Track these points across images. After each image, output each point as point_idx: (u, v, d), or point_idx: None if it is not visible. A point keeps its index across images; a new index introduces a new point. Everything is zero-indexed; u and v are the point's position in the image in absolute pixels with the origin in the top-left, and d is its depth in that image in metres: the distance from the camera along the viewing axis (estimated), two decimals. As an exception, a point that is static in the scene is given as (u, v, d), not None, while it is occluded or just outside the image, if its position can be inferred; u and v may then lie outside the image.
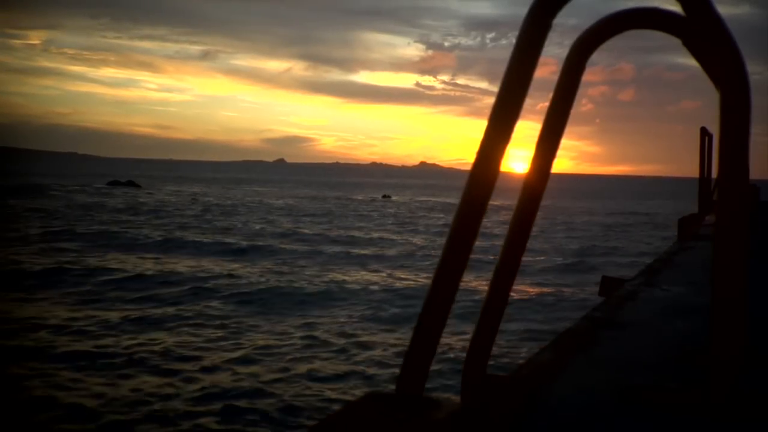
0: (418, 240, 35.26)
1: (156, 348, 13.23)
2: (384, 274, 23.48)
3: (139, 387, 10.97)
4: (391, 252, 29.42)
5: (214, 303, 17.74)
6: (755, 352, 2.61)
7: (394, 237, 35.46)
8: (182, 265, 23.58)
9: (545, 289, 21.40)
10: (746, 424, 1.99)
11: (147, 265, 23.17)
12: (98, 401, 10.19)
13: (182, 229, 35.64)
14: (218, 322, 15.72)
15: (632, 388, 2.31)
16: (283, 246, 29.99)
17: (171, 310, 16.72)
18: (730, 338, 1.87)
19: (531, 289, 21.14)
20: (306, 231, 37.39)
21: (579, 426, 2.03)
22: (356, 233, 37.02)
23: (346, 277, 22.41)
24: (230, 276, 21.48)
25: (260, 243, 30.66)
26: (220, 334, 14.57)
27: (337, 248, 29.82)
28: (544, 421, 2.07)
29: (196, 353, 13.01)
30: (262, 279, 21.16)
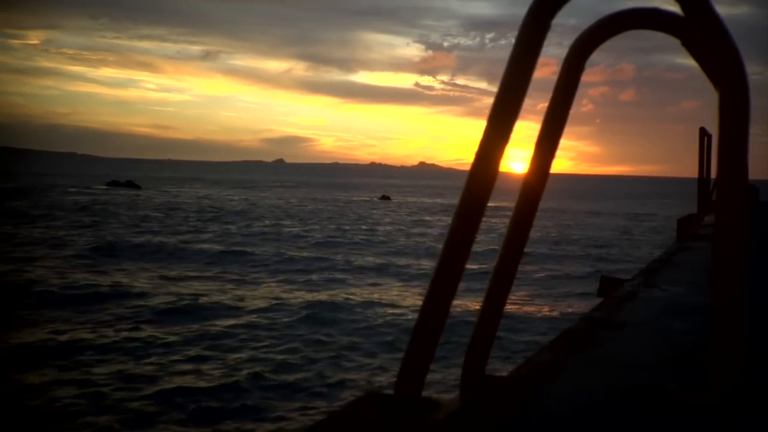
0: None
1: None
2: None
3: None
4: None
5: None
6: (755, 352, 2.61)
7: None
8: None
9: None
10: (746, 424, 1.99)
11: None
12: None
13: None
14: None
15: (631, 388, 2.31)
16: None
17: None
18: (729, 338, 1.87)
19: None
20: (316, 235, 36.53)
21: (578, 426, 2.03)
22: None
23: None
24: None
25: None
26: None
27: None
28: (543, 421, 2.07)
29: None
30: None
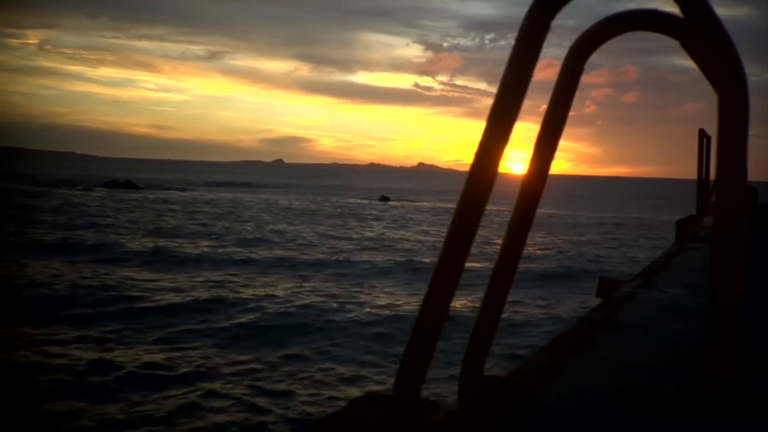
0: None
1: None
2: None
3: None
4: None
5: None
6: (752, 353, 2.62)
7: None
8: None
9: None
10: (743, 425, 1.99)
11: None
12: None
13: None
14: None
15: (630, 389, 2.31)
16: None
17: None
18: (727, 340, 1.88)
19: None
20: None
21: (576, 427, 2.03)
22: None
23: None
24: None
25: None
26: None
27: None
28: (542, 421, 2.07)
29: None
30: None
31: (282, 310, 16.59)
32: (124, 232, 31.49)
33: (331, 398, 10.72)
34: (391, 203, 68.56)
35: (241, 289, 19.13)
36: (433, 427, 1.75)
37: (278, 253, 27.01)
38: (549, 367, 2.60)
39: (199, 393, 10.66)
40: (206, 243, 29.29)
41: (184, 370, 11.92)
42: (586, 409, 2.17)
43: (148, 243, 27.79)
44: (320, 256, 26.72)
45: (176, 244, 28.02)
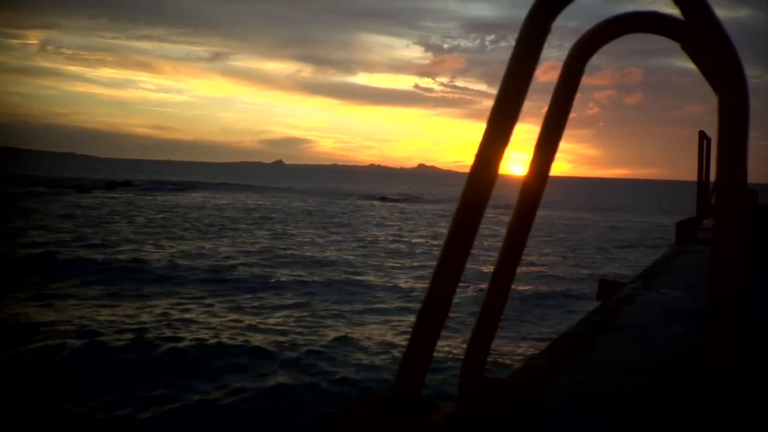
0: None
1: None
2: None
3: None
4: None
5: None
6: (752, 355, 2.62)
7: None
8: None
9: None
10: (743, 427, 1.99)
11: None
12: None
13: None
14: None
15: (630, 391, 2.31)
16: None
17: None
18: (727, 341, 1.87)
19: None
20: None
21: (577, 428, 2.03)
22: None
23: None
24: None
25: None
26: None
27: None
28: (542, 423, 2.07)
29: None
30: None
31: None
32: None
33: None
34: (390, 204, 68.29)
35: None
36: (434, 428, 1.75)
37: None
38: (549, 368, 2.60)
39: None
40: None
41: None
42: (587, 411, 2.17)
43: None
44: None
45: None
